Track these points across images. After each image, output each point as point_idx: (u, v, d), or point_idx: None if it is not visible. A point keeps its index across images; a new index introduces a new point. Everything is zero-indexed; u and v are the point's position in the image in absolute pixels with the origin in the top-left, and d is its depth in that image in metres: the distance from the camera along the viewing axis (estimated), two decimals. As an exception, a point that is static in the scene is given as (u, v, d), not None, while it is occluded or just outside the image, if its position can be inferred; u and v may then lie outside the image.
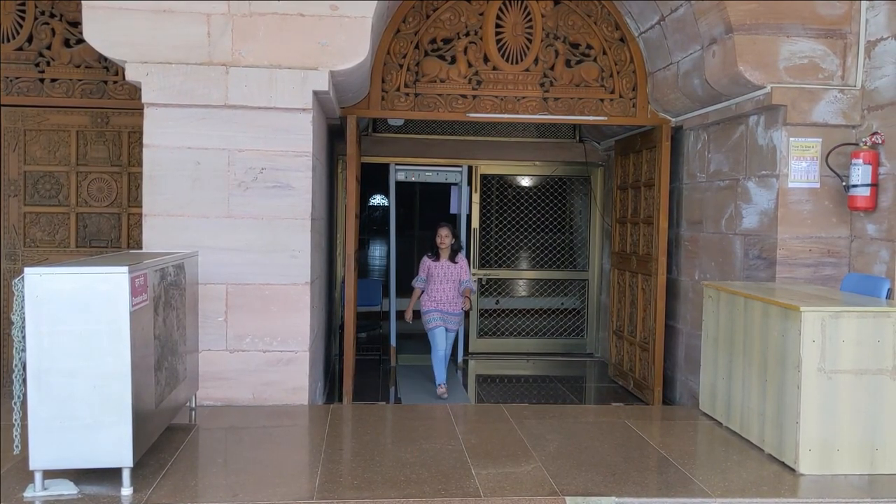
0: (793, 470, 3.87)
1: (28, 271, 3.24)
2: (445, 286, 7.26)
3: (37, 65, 6.51)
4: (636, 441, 4.46)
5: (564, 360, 9.24)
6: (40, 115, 6.58)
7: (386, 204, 13.39)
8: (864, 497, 3.59)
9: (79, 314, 3.27)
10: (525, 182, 9.78)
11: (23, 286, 3.23)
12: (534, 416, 5.04)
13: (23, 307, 3.23)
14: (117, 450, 3.31)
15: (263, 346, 5.28)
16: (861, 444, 3.84)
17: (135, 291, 3.38)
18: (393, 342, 8.91)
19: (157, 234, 5.15)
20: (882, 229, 5.12)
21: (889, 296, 4.52)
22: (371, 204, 18.19)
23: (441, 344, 7.27)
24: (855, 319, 3.83)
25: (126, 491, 3.38)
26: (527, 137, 9.37)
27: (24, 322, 3.24)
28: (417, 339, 9.71)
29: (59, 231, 6.63)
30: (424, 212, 11.21)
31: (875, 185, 5.10)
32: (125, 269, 3.30)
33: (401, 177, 8.96)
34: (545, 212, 9.66)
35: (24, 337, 3.25)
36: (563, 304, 9.74)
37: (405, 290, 10.87)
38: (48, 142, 6.60)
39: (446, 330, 7.32)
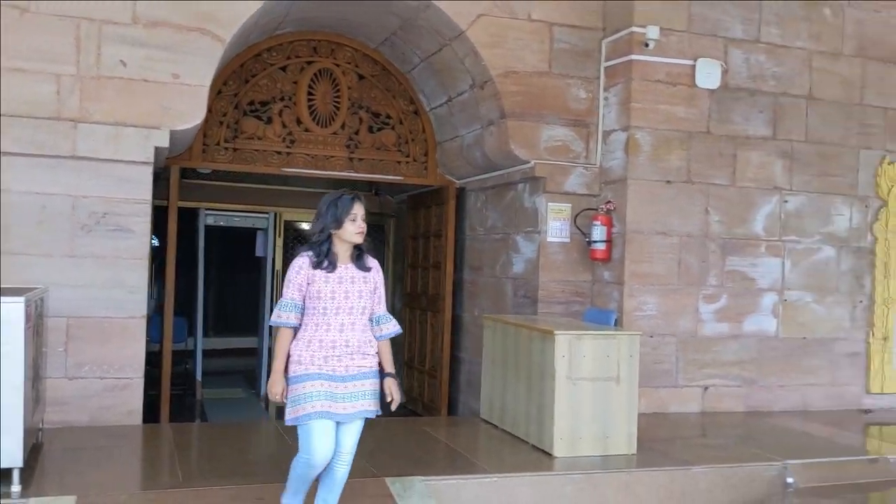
0: (549, 454, 5.12)
1: (-60, 300, 3.78)
2: (345, 319, 3.73)
3: None
4: (433, 441, 5.59)
5: (359, 390, 10.22)
6: None
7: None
8: (597, 469, 4.92)
9: (-20, 336, 3.84)
10: (325, 229, 10.76)
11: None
12: (346, 428, 6.03)
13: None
14: (10, 452, 3.89)
15: (101, 374, 5.82)
16: (596, 433, 5.19)
17: (27, 318, 3.99)
18: (198, 376, 9.45)
19: (4, 272, 5.58)
20: (614, 275, 6.67)
21: (616, 323, 6.00)
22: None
23: (322, 449, 3.63)
24: (591, 340, 5.19)
25: (16, 487, 3.94)
26: (328, 189, 10.37)
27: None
28: (221, 375, 10.33)
29: None
30: (230, 254, 11.78)
31: (609, 242, 6.65)
32: (23, 299, 3.92)
33: (210, 221, 9.63)
34: (343, 256, 10.68)
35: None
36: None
37: (215, 329, 11.35)
38: None
39: (337, 422, 3.68)
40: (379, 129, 7.98)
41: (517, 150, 6.80)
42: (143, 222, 5.97)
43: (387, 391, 3.88)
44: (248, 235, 10.51)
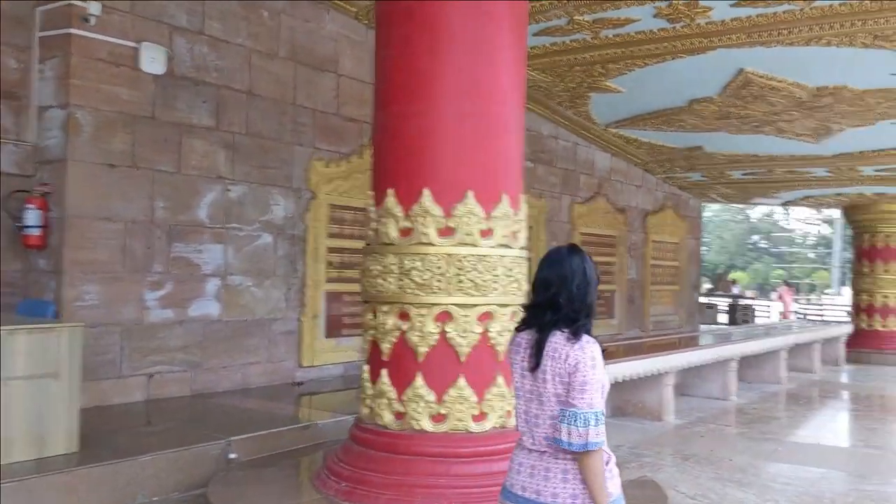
0: (-25, 465, 4.55)
1: None
2: None
3: None
4: None
5: None
6: None
7: None
8: (33, 474, 4.52)
9: None
10: None
11: None
12: None
13: None
14: None
15: None
16: (33, 434, 4.75)
17: None
18: None
19: None
20: (51, 264, 6.19)
21: (55, 315, 5.58)
22: None
23: None
24: (27, 335, 4.74)
25: None
26: None
27: None
28: None
29: None
30: None
31: (46, 227, 6.15)
32: None
33: None
34: None
35: None
36: None
37: None
38: None
39: None
40: None
41: (-72, 119, 5.85)
42: None
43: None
44: None
